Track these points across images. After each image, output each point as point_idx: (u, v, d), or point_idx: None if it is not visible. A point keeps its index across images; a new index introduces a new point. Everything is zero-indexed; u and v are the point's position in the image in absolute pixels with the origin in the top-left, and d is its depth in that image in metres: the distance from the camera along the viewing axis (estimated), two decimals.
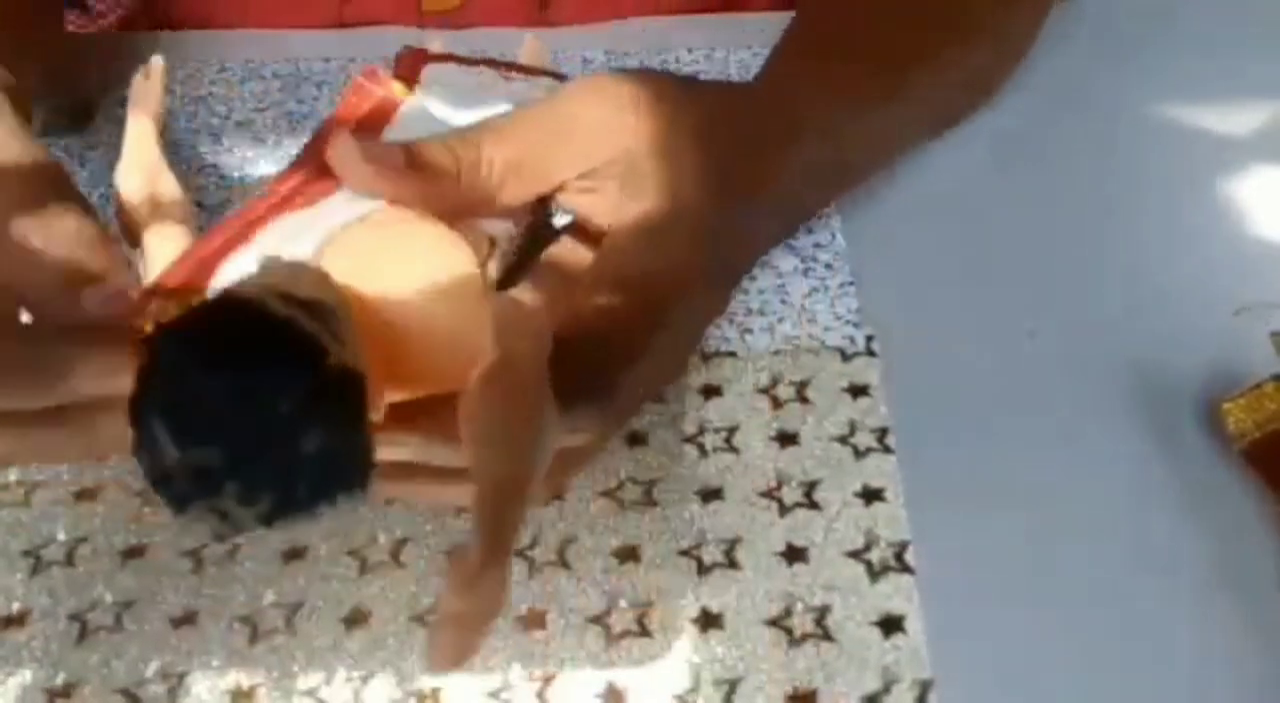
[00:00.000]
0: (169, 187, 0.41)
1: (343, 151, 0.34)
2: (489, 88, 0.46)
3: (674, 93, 0.39)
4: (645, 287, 0.34)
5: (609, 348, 0.33)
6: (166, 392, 0.23)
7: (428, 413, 0.31)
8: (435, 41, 0.48)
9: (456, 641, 0.26)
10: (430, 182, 0.35)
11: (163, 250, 0.38)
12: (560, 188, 0.37)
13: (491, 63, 0.50)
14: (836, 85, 0.44)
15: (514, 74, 0.49)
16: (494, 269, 0.37)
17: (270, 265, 0.27)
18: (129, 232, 0.40)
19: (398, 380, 0.30)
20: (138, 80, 0.46)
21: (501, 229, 0.37)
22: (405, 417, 0.30)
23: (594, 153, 0.37)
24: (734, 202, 0.38)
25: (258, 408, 0.23)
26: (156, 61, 0.47)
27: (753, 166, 0.40)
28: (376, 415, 0.28)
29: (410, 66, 0.47)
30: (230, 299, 0.24)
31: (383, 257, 0.32)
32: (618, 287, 0.35)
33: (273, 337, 0.23)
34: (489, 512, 0.27)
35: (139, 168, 0.42)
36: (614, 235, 0.36)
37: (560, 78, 0.51)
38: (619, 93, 0.38)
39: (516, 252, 0.40)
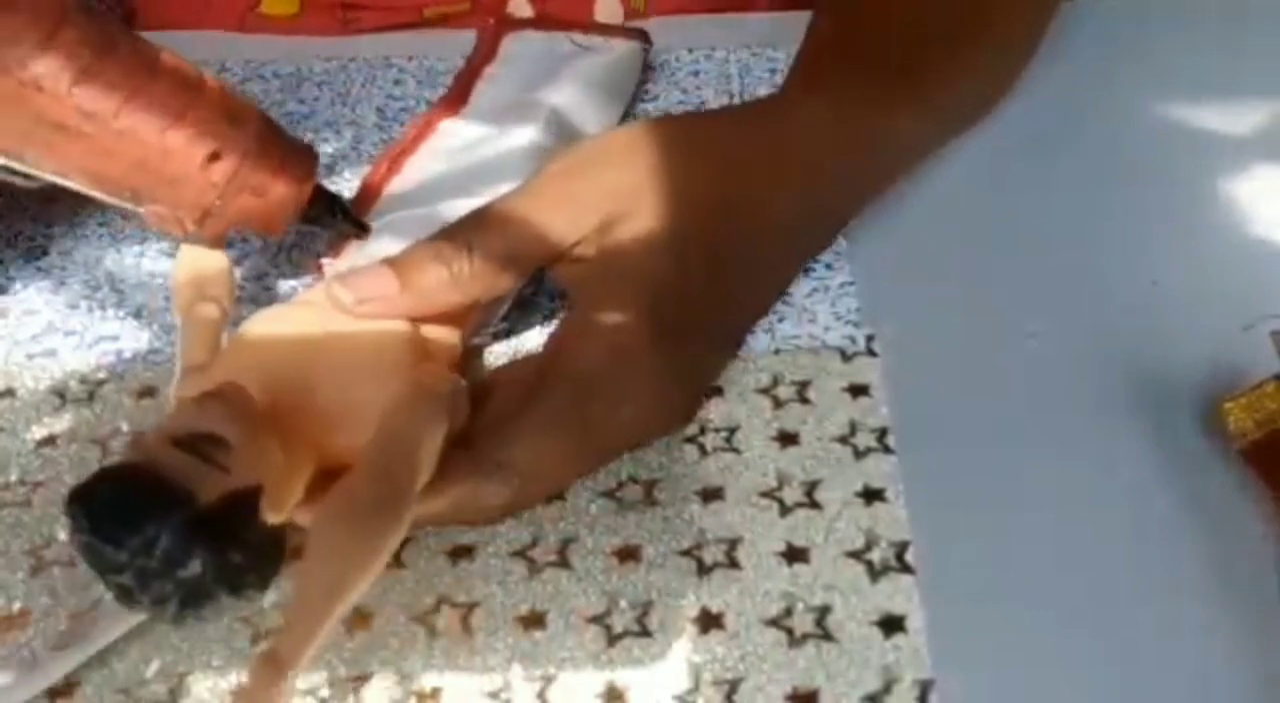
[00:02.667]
0: (220, 264, 0.40)
1: (336, 295, 0.35)
2: (560, 64, 0.49)
3: (667, 135, 0.40)
4: (578, 377, 0.35)
5: (526, 432, 0.34)
6: (78, 543, 0.29)
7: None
8: (525, 7, 0.50)
9: None
10: (429, 295, 0.36)
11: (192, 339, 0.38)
12: (558, 258, 0.37)
13: (567, 25, 0.52)
14: (863, 98, 0.44)
15: (589, 37, 0.51)
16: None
17: (181, 407, 0.32)
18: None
19: (332, 451, 0.34)
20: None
21: None
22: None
23: (582, 220, 0.37)
24: (725, 238, 0.39)
25: (141, 552, 0.28)
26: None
27: (751, 194, 0.40)
28: (279, 515, 0.32)
29: (491, 40, 0.50)
30: (115, 469, 0.30)
31: (314, 334, 0.35)
32: (556, 376, 0.35)
33: (146, 493, 0.29)
34: (307, 621, 0.30)
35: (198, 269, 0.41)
36: (565, 325, 0.37)
37: (633, 34, 0.53)
38: (605, 153, 0.39)
39: (505, 318, 0.40)
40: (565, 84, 0.49)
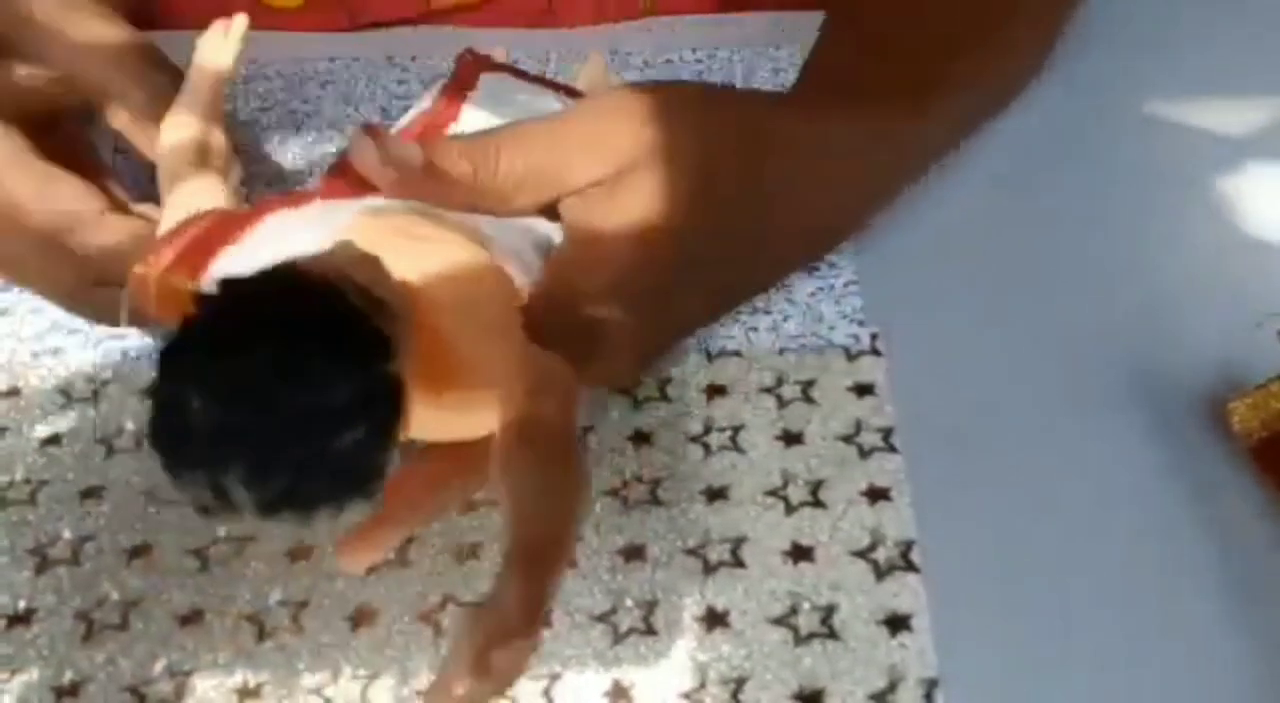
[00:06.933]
0: (218, 139, 0.40)
1: (362, 152, 0.34)
2: (540, 108, 0.47)
3: (699, 103, 0.39)
4: (584, 298, 0.34)
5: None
6: (214, 340, 0.20)
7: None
8: (499, 49, 0.48)
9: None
10: (446, 186, 0.35)
11: (193, 203, 0.36)
12: (571, 194, 0.37)
13: (548, 82, 0.50)
14: (869, 105, 0.44)
15: (567, 97, 0.49)
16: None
17: (353, 254, 0.24)
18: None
19: (430, 389, 0.28)
20: (211, 34, 0.43)
21: (491, 230, 0.37)
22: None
23: (606, 163, 0.37)
24: (736, 220, 0.38)
25: (305, 391, 0.21)
26: (241, 20, 0.43)
27: (770, 185, 0.40)
28: (405, 432, 0.25)
29: (470, 72, 0.48)
30: (308, 272, 0.21)
31: (412, 254, 0.29)
32: (561, 294, 0.34)
33: (342, 324, 0.21)
34: (532, 576, 0.26)
35: (195, 111, 0.40)
36: (567, 244, 0.36)
37: None
38: (639, 104, 0.39)
39: None
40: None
